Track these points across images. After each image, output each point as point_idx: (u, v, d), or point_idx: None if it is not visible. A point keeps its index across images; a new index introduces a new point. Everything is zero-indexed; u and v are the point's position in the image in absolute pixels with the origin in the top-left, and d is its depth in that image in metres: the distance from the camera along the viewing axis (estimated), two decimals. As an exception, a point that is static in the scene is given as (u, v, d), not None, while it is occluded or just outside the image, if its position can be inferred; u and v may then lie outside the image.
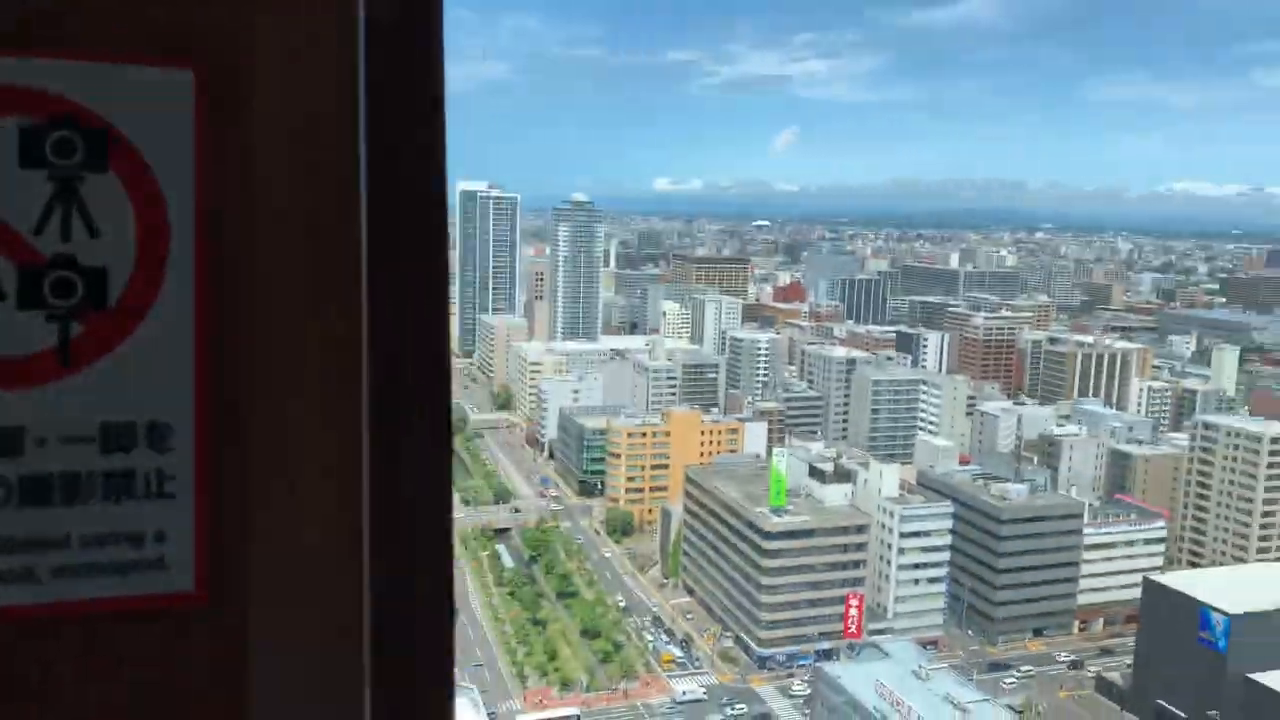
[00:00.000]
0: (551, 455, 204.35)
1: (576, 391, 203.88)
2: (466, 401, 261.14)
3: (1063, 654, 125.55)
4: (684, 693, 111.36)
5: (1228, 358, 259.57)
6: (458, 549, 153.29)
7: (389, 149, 1.32)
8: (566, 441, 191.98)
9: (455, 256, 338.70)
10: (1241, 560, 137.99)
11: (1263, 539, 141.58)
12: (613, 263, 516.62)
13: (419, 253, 1.33)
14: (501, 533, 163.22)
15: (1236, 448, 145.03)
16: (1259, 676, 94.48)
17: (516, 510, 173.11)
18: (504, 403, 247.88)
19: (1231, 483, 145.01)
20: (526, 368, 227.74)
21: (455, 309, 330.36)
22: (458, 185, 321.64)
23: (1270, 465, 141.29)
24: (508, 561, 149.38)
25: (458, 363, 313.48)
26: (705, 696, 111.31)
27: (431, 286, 1.36)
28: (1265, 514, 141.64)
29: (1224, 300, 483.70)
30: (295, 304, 1.21)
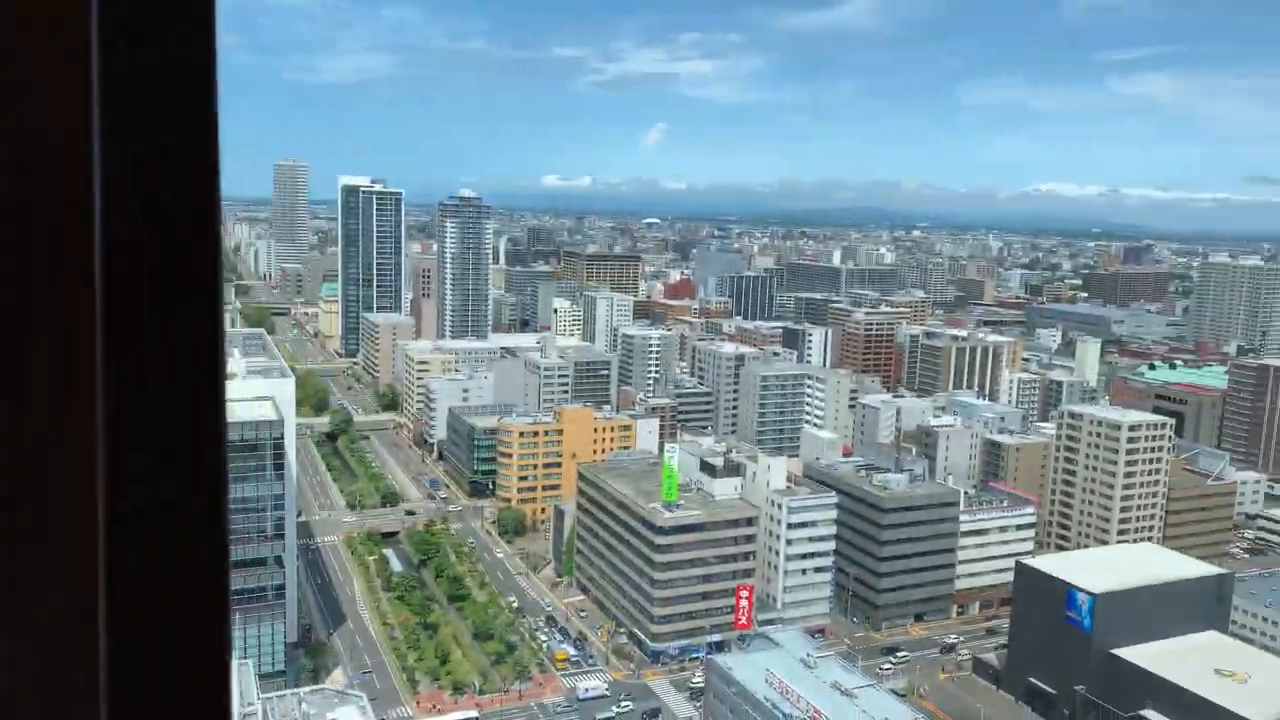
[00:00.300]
0: (441, 456, 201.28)
1: (466, 391, 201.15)
2: (350, 403, 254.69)
3: (951, 636, 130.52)
4: (586, 690, 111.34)
5: (1090, 350, 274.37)
6: (344, 555, 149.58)
7: (133, 162, 1.28)
8: (456, 442, 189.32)
9: (338, 253, 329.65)
10: (1104, 542, 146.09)
11: (1123, 522, 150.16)
12: (502, 259, 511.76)
13: (178, 272, 1.29)
14: (389, 536, 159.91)
15: (1098, 436, 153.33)
16: (1120, 651, 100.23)
17: (410, 513, 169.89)
18: (390, 403, 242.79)
19: (1094, 469, 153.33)
20: (413, 367, 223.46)
21: (338, 308, 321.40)
22: (339, 180, 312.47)
23: (1129, 452, 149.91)
24: (396, 566, 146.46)
25: (341, 363, 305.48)
26: (608, 692, 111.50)
27: (197, 306, 1.32)
28: (1125, 498, 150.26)
29: (1086, 295, 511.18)
30: (20, 330, 1.17)
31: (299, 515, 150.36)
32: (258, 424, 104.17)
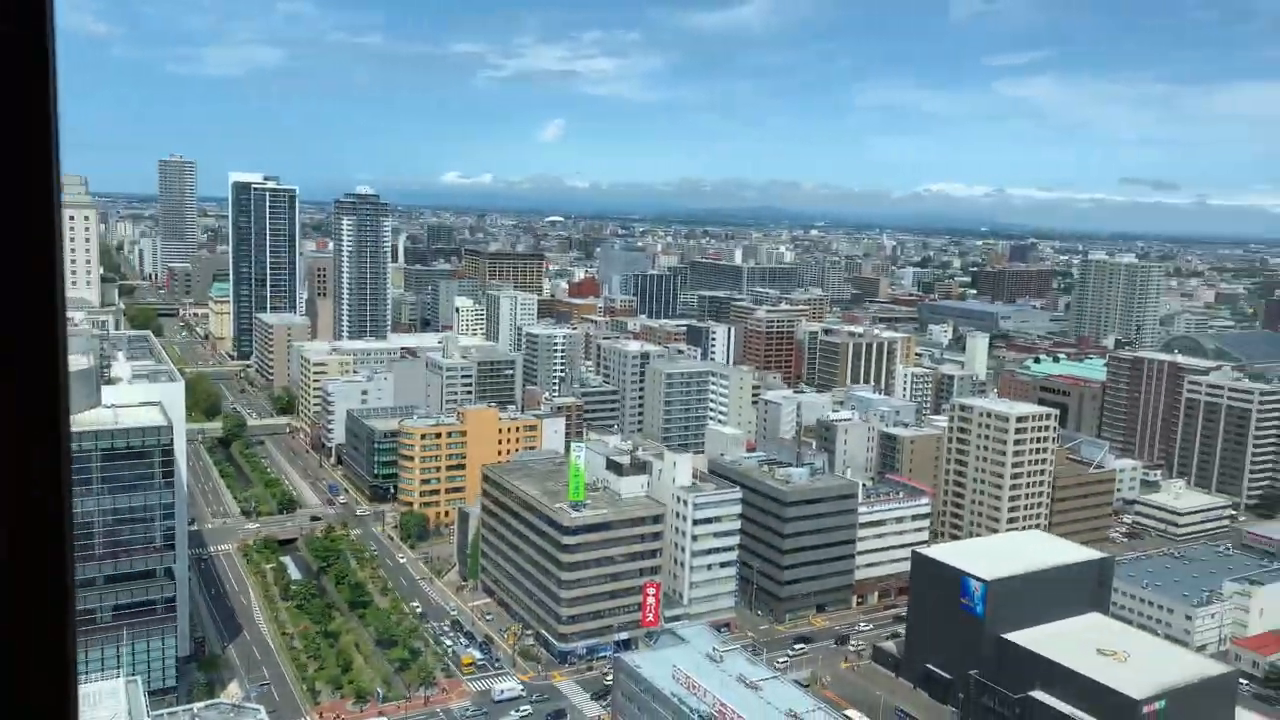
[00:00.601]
0: (340, 460, 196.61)
1: (365, 393, 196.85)
2: (244, 407, 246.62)
3: (865, 625, 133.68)
4: (501, 691, 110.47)
5: (979, 345, 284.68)
6: (240, 564, 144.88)
7: None
8: (356, 445, 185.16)
9: (229, 252, 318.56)
10: (995, 530, 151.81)
11: (1012, 510, 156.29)
12: (401, 258, 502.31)
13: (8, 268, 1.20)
14: (287, 544, 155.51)
15: (988, 427, 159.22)
16: (1011, 635, 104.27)
17: (316, 518, 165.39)
18: (286, 406, 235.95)
19: (985, 459, 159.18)
20: (310, 369, 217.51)
21: (230, 308, 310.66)
22: (230, 177, 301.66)
23: (1017, 443, 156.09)
24: (295, 573, 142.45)
25: (233, 365, 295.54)
26: (522, 693, 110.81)
27: (33, 305, 1.25)
28: (1013, 487, 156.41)
29: (975, 292, 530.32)
30: None
31: (191, 524, 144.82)
32: (144, 430, 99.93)
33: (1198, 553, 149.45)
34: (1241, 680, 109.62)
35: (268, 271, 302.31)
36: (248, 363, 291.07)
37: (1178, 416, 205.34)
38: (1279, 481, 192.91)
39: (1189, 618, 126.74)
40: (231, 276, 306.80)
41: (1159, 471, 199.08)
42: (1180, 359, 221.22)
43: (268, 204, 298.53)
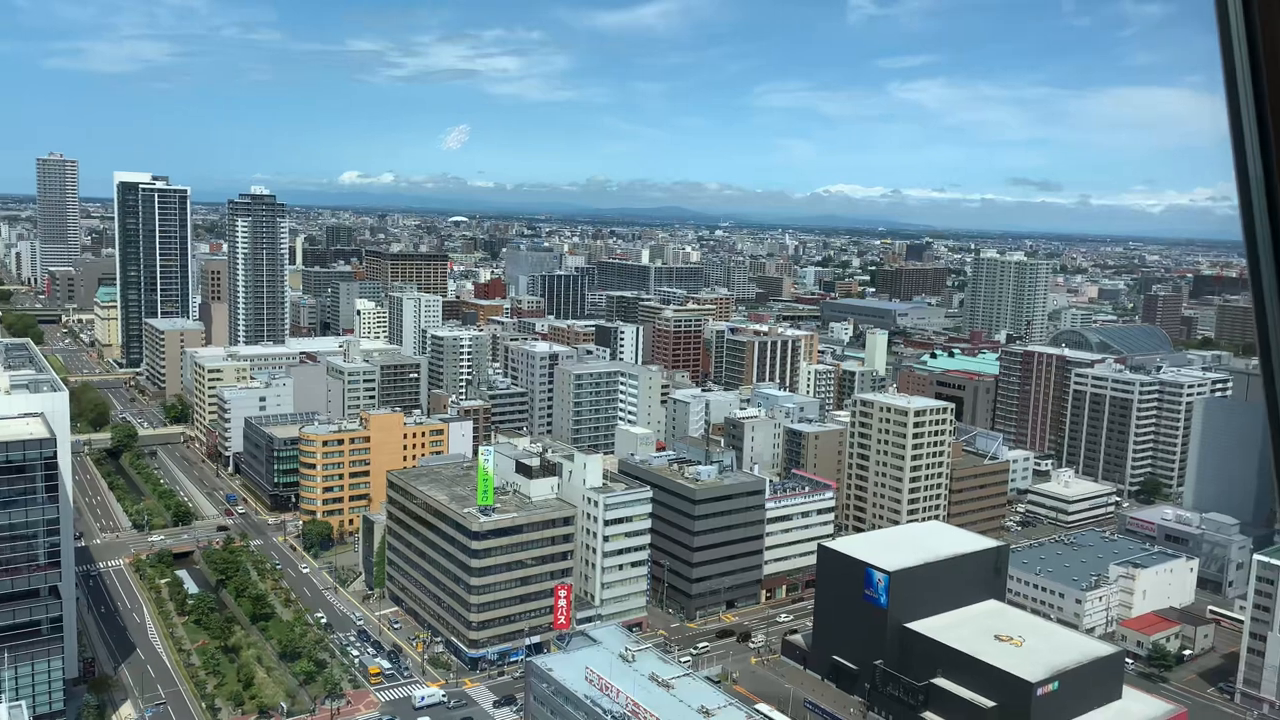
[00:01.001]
0: (238, 469, 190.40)
1: (263, 399, 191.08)
2: (135, 416, 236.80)
3: (785, 616, 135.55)
4: (422, 697, 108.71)
5: (879, 341, 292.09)
6: (132, 580, 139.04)
7: None
8: (255, 454, 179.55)
9: (115, 255, 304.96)
10: (896, 521, 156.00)
11: (912, 501, 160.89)
12: (299, 260, 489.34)
13: None
14: (183, 557, 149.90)
15: (888, 421, 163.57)
16: (913, 624, 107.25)
17: (223, 529, 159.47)
18: (179, 415, 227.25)
19: (885, 453, 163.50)
20: (205, 376, 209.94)
21: (118, 314, 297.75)
22: (115, 177, 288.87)
23: (915, 436, 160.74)
24: (191, 587, 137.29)
25: (122, 373, 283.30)
26: (445, 699, 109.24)
27: None
28: (913, 479, 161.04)
29: (874, 290, 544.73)
30: None
31: (78, 540, 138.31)
32: (24, 443, 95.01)
33: (1085, 539, 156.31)
34: (1128, 659, 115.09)
35: (158, 275, 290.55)
36: (138, 370, 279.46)
37: (1066, 408, 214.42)
38: (1159, 469, 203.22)
39: (1079, 601, 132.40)
40: (119, 280, 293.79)
41: (1049, 461, 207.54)
42: (1067, 352, 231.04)
43: (157, 205, 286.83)
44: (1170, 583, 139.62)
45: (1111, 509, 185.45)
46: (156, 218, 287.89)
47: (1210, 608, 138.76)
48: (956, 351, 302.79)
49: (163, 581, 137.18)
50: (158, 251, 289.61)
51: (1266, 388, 3.48)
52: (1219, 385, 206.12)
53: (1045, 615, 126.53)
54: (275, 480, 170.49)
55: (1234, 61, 2.94)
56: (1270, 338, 3.16)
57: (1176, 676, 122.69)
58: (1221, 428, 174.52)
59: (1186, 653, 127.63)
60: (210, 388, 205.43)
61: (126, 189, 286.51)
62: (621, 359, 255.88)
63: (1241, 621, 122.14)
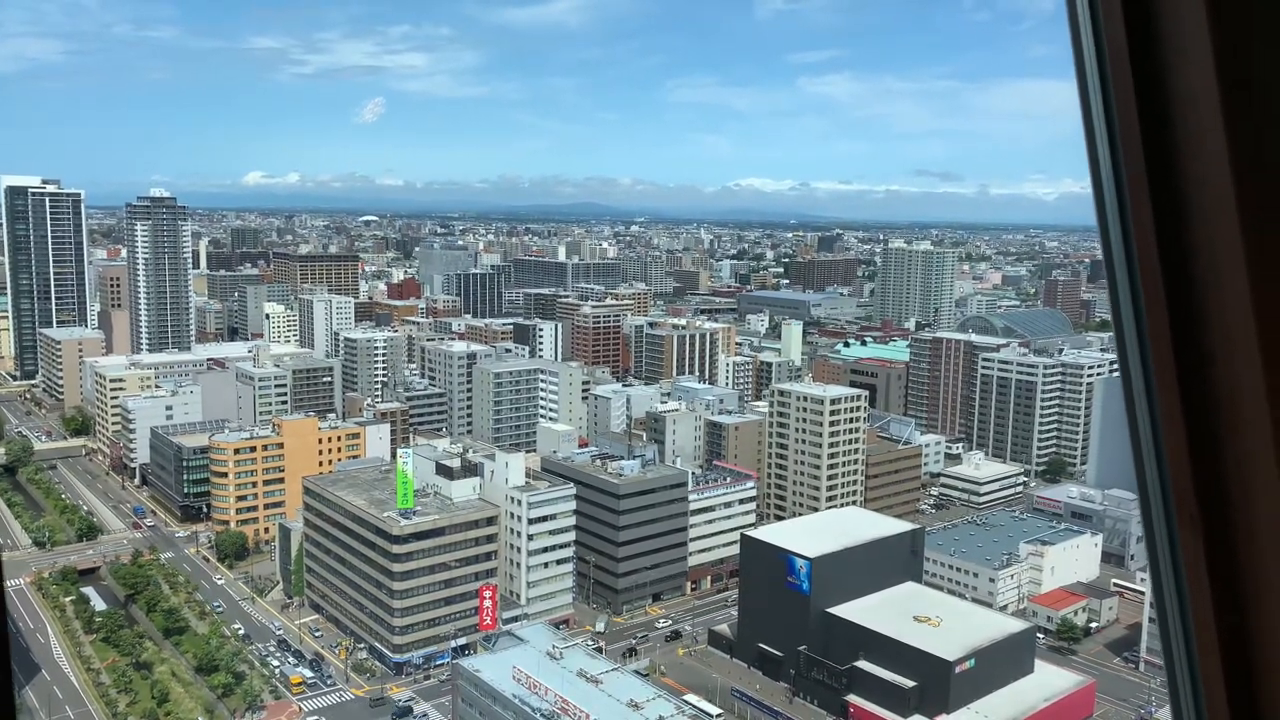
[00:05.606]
0: (145, 481, 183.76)
1: (170, 408, 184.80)
2: (31, 429, 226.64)
3: (714, 609, 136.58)
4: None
5: (794, 332, 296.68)
6: (34, 598, 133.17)
7: None
8: (162, 464, 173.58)
9: (4, 263, 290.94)
10: (815, 508, 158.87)
11: (830, 488, 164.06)
12: (204, 263, 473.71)
13: None
14: (88, 573, 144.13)
15: (805, 410, 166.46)
16: (835, 610, 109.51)
17: (133, 544, 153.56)
18: (80, 427, 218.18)
19: (803, 441, 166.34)
20: (106, 385, 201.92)
21: (9, 324, 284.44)
22: (2, 181, 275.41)
23: (831, 424, 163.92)
24: (99, 604, 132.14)
25: (16, 386, 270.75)
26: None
27: None
28: (831, 466, 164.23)
29: (788, 282, 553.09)
30: None
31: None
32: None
33: (997, 519, 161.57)
34: (1039, 634, 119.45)
35: (51, 283, 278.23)
36: (33, 382, 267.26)
37: (974, 392, 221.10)
38: (1063, 448, 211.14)
39: (992, 580, 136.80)
40: (10, 290, 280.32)
41: (960, 445, 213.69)
42: (974, 338, 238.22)
43: (48, 209, 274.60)
44: (1077, 559, 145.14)
45: (1021, 489, 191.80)
46: (48, 223, 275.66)
47: (1114, 581, 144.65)
48: (869, 340, 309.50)
49: (67, 600, 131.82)
50: (51, 258, 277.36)
51: (1123, 373, 3.55)
52: (1116, 365, 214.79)
53: (961, 595, 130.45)
54: (185, 491, 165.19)
55: (1082, 55, 2.99)
56: (1124, 328, 3.25)
57: (1084, 648, 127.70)
58: (1119, 406, 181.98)
59: (1093, 625, 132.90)
60: (113, 398, 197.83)
61: (15, 193, 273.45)
62: (541, 356, 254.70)
63: (1143, 593, 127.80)
